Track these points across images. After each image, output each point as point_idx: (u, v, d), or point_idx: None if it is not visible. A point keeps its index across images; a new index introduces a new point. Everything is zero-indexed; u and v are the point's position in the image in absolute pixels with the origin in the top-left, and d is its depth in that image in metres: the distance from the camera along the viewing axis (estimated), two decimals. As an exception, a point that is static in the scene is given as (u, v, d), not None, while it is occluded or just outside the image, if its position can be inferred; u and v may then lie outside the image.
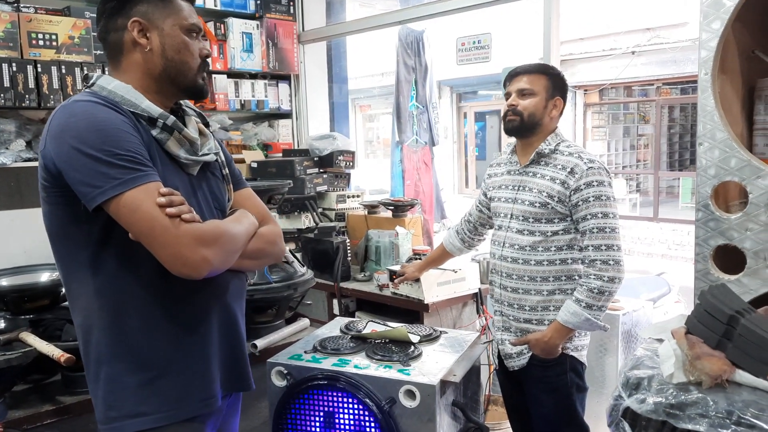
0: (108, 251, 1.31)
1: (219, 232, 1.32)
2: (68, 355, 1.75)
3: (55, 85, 2.97)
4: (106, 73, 1.41)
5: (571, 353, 2.13)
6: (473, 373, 2.11)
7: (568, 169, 2.07)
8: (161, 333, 1.37)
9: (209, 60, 1.49)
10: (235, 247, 1.37)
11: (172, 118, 1.36)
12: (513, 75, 2.19)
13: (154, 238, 1.23)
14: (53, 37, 3.00)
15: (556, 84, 2.17)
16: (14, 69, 2.86)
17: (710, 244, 1.23)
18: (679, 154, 13.83)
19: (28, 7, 3.02)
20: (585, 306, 2.01)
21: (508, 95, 2.19)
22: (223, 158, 1.55)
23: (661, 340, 1.15)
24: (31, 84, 2.91)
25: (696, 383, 1.02)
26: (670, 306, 3.25)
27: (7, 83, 2.84)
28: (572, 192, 2.05)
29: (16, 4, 2.96)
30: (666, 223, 9.85)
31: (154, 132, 1.35)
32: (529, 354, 2.15)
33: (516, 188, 2.19)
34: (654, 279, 3.78)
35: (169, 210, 1.24)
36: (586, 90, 10.59)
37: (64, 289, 1.41)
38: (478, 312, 3.06)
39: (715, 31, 1.20)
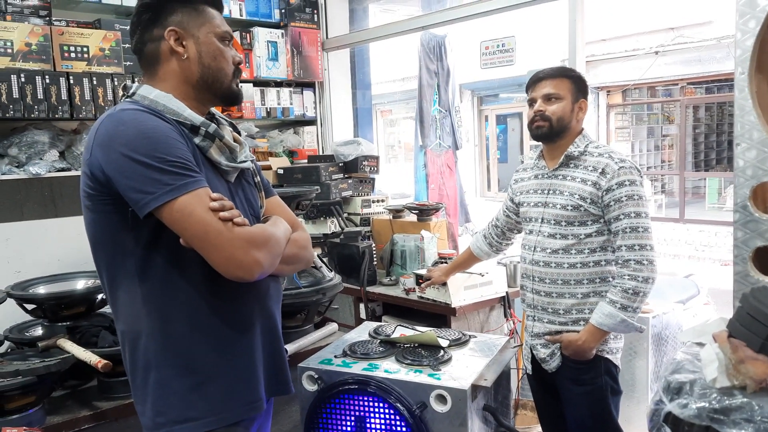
0: (155, 257, 1.34)
1: (267, 235, 1.36)
2: (105, 361, 1.78)
3: (87, 96, 3.03)
4: (136, 83, 1.44)
5: (606, 356, 2.11)
6: (503, 377, 2.10)
7: (599, 170, 2.06)
8: (207, 337, 1.39)
9: (241, 66, 1.52)
10: (280, 250, 1.40)
11: (213, 126, 1.39)
12: (536, 80, 2.18)
13: (208, 241, 1.25)
14: (84, 49, 3.07)
15: (579, 86, 2.16)
16: (47, 81, 2.93)
17: (749, 245, 1.21)
18: (705, 154, 13.62)
19: (59, 21, 3.10)
20: (620, 307, 1.99)
21: (532, 101, 2.18)
22: (254, 166, 1.58)
23: (701, 344, 1.13)
24: (64, 96, 2.98)
25: (740, 387, 1.01)
26: (699, 308, 3.20)
27: (40, 95, 2.91)
28: (604, 192, 2.04)
29: (48, 18, 3.04)
30: (693, 224, 9.70)
31: (197, 140, 1.38)
32: (560, 354, 2.14)
33: (546, 192, 2.18)
34: (682, 281, 3.73)
35: (222, 214, 1.26)
36: (609, 91, 10.49)
37: (106, 297, 1.43)
38: (505, 316, 3.05)
39: (751, 30, 1.19)
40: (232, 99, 1.49)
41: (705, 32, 8.38)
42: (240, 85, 1.51)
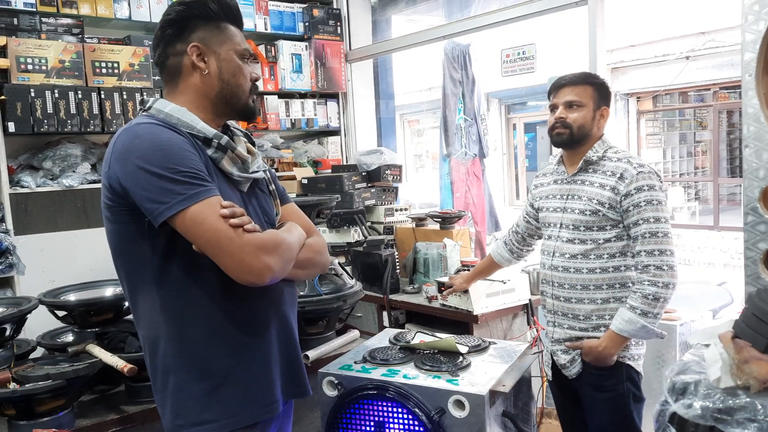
0: (172, 265, 1.38)
1: (278, 240, 1.39)
2: (131, 366, 1.83)
3: (117, 110, 3.14)
4: (162, 97, 1.50)
5: (628, 362, 2.10)
6: (523, 383, 2.10)
7: (618, 175, 2.05)
8: (224, 341, 1.43)
9: (258, 83, 1.56)
10: (292, 256, 1.43)
11: (225, 138, 1.44)
12: (558, 86, 2.18)
13: (219, 248, 1.29)
14: (115, 65, 3.18)
15: (601, 93, 2.15)
16: (80, 96, 3.04)
17: (760, 247, 1.20)
18: (740, 160, 13.28)
19: (91, 38, 3.22)
20: (640, 313, 1.98)
21: (554, 107, 2.18)
22: (269, 175, 1.61)
23: (708, 345, 1.13)
24: (95, 110, 3.09)
25: (744, 387, 1.00)
26: (732, 317, 3.13)
27: (73, 110, 3.02)
28: (623, 197, 2.03)
29: (80, 36, 3.15)
30: (728, 232, 9.47)
31: (209, 151, 1.42)
32: (581, 361, 2.13)
33: (565, 197, 2.18)
34: (715, 289, 3.65)
35: (232, 221, 1.30)
36: (639, 97, 10.35)
37: (128, 304, 1.49)
38: (528, 323, 3.03)
39: (759, 33, 1.18)
40: (248, 115, 1.54)
41: (737, 36, 8.21)
42: (255, 101, 1.56)
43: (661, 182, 2.06)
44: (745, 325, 1.06)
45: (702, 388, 1.03)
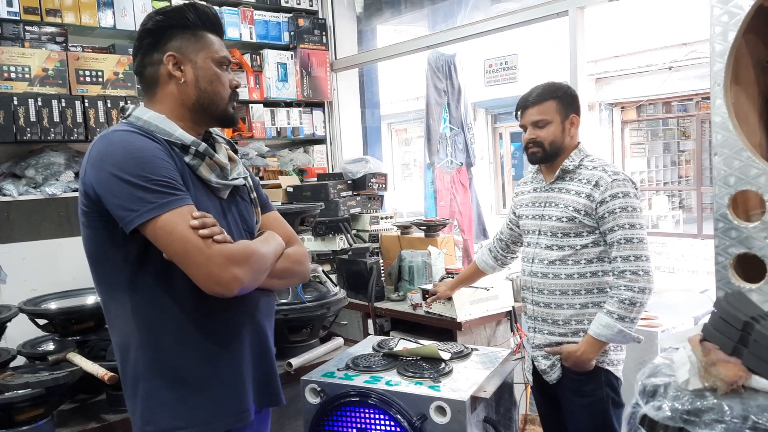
0: (144, 272, 1.38)
1: (249, 251, 1.38)
2: (111, 374, 1.82)
3: (101, 118, 3.13)
4: (131, 104, 1.50)
5: (607, 367, 2.12)
6: (505, 389, 2.11)
7: (593, 182, 2.08)
8: (195, 350, 1.43)
9: (238, 90, 1.57)
10: (264, 266, 1.43)
11: (203, 145, 1.44)
12: (523, 107, 2.20)
13: (188, 258, 1.30)
14: (99, 73, 3.17)
15: (566, 103, 2.17)
16: (63, 105, 3.03)
17: (730, 252, 1.23)
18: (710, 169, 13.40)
19: (75, 46, 3.21)
20: (617, 318, 2.00)
21: (523, 127, 2.21)
22: (251, 183, 1.61)
23: (678, 348, 1.16)
24: (79, 118, 3.08)
25: (711, 389, 1.03)
26: (711, 323, 3.17)
27: (56, 118, 3.01)
28: (598, 204, 2.06)
29: (64, 44, 3.15)
30: (711, 240, 9.54)
31: (187, 158, 1.42)
32: (560, 366, 2.15)
33: (543, 205, 2.21)
34: (698, 297, 3.70)
35: (201, 231, 1.30)
36: (623, 107, 10.47)
37: (102, 310, 1.49)
38: (512, 330, 3.05)
39: (727, 44, 1.22)
40: (227, 121, 1.54)
41: (718, 47, 8.32)
42: (235, 108, 1.56)
43: (636, 189, 2.09)
44: (713, 328, 1.09)
45: (671, 391, 1.05)
